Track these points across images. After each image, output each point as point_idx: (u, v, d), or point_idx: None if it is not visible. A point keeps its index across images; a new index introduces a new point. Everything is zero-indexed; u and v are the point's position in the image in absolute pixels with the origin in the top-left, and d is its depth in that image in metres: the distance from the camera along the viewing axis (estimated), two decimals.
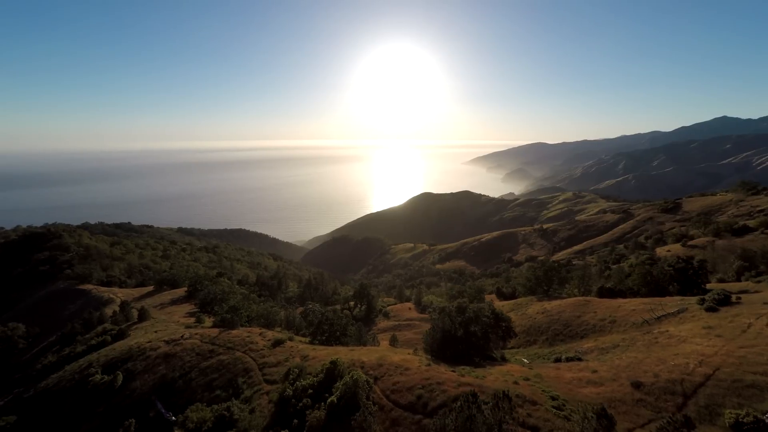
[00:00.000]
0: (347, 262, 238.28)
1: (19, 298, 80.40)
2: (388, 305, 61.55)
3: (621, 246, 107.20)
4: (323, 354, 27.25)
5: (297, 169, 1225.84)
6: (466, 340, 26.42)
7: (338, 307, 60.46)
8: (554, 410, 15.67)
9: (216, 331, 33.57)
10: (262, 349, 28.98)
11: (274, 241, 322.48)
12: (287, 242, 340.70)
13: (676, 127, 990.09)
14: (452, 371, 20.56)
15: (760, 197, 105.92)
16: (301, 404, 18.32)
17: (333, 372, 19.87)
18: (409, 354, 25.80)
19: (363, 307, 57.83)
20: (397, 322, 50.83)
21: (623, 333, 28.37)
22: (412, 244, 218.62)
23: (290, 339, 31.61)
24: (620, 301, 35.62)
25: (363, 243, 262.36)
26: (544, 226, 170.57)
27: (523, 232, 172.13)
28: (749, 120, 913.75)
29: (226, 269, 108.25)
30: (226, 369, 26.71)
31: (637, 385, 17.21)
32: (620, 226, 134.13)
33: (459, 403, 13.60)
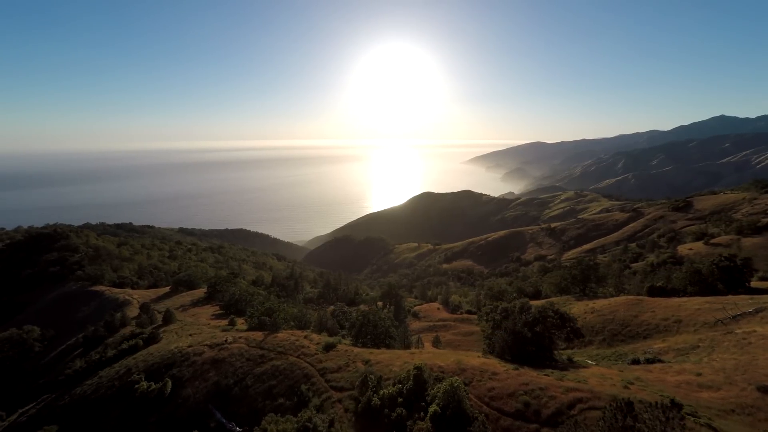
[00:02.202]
0: (350, 262, 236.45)
1: (30, 299, 78.22)
2: (414, 305, 60.10)
3: (633, 245, 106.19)
4: (384, 358, 25.82)
5: (296, 169, 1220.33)
6: (536, 341, 25.11)
7: (363, 307, 58.92)
8: (692, 418, 14.36)
9: (260, 334, 32.01)
10: (315, 354, 27.49)
11: (275, 241, 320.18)
12: (288, 242, 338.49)
13: (674, 126, 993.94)
14: (545, 375, 19.21)
15: None
16: (395, 414, 16.90)
17: (420, 378, 18.47)
18: (478, 356, 24.45)
19: (391, 307, 56.33)
20: (430, 323, 49.39)
21: (695, 333, 27.13)
22: (416, 244, 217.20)
23: (339, 342, 30.21)
24: (677, 300, 34.39)
25: (365, 243, 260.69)
26: (552, 225, 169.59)
27: (530, 232, 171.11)
28: (747, 119, 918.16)
29: (234, 270, 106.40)
30: (284, 375, 25.20)
31: (765, 390, 15.95)
32: (630, 225, 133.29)
33: (609, 413, 12.27)
